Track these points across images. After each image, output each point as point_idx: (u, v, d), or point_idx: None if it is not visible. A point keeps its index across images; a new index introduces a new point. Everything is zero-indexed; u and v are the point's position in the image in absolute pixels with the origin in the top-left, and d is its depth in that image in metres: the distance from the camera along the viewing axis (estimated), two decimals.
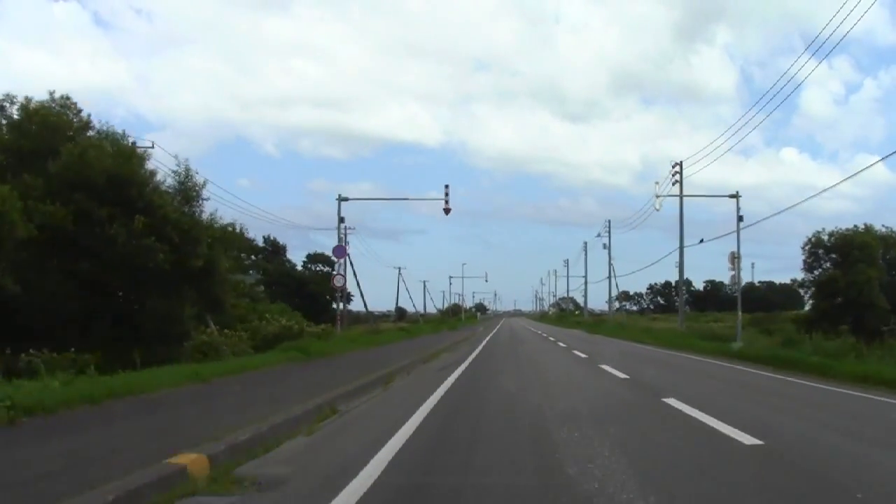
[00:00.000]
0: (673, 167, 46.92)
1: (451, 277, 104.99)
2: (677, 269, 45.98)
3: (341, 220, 30.04)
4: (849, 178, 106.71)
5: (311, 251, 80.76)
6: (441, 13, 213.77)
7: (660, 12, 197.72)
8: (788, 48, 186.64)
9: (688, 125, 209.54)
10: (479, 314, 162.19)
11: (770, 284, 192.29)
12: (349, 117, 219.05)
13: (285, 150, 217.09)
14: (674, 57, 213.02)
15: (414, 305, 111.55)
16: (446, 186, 28.48)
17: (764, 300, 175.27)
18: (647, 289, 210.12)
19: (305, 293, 59.10)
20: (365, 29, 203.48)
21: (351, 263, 77.44)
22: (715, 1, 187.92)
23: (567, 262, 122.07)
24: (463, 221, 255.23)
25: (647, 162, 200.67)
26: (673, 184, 47.07)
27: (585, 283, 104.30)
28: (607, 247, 79.97)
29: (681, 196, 46.28)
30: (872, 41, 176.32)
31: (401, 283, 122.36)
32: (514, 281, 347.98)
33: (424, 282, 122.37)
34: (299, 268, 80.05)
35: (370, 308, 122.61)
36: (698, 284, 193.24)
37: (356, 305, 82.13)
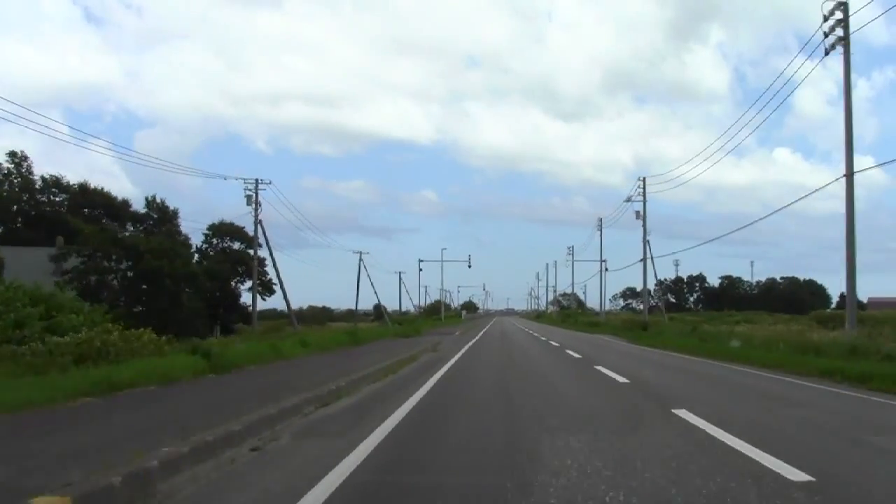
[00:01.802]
0: (827, 14, 23.18)
1: (420, 261, 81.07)
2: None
3: None
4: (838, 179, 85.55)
5: (216, 219, 56.29)
6: (433, 9, 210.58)
7: (652, 10, 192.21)
8: (782, 47, 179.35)
9: (681, 124, 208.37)
10: (463, 313, 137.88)
11: (793, 280, 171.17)
12: (340, 114, 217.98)
13: (277, 147, 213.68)
14: (667, 55, 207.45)
15: (379, 301, 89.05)
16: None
17: (792, 297, 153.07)
18: (656, 285, 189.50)
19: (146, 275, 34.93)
20: (356, 25, 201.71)
21: (266, 241, 53.08)
22: None
23: (572, 249, 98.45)
24: (454, 220, 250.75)
25: (640, 161, 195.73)
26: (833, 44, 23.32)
27: (601, 270, 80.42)
28: (641, 215, 56.20)
29: (846, 78, 22.39)
30: (866, 41, 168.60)
31: (378, 279, 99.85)
32: (505, 280, 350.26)
33: (400, 273, 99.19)
34: (199, 243, 55.66)
35: (353, 308, 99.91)
36: (712, 281, 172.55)
37: (276, 302, 58.06)
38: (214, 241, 55.55)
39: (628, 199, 56.76)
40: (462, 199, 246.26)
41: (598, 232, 77.30)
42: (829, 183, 21.93)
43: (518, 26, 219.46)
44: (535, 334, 45.55)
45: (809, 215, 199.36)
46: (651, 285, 62.44)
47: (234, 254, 54.36)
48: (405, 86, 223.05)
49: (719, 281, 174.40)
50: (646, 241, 56.72)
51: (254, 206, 48.81)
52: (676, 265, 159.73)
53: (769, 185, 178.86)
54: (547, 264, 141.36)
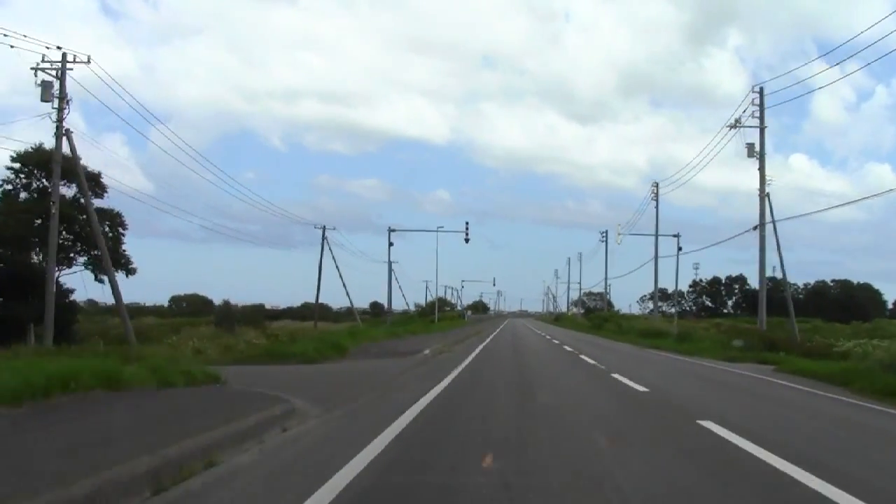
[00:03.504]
0: None
1: (391, 230, 57.30)
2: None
3: None
4: (872, 196, 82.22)
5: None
6: (449, 9, 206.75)
7: (670, 13, 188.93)
8: (800, 52, 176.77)
9: (696, 128, 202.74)
10: (468, 313, 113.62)
11: (845, 283, 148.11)
12: (355, 112, 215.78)
13: (291, 144, 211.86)
14: (684, 59, 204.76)
15: (348, 293, 66.98)
16: None
17: (849, 302, 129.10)
18: (690, 287, 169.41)
19: None
20: (372, 23, 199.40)
21: (78, 168, 28.80)
22: (726, 3, 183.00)
23: (605, 235, 75.00)
24: (468, 220, 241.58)
25: (655, 164, 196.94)
26: None
27: (657, 253, 56.62)
28: (758, 152, 32.99)
29: None
30: (885, 47, 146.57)
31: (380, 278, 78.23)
32: (519, 281, 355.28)
33: (390, 262, 77.41)
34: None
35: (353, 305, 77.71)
36: (752, 281, 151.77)
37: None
38: (31, 181, 32.68)
39: (735, 125, 33.60)
40: (476, 200, 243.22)
41: (654, 201, 53.85)
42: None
43: (534, 27, 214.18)
44: (588, 359, 21.91)
45: (825, 221, 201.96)
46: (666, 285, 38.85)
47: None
48: (420, 85, 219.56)
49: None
50: (764, 197, 33.44)
51: (57, 101, 26.10)
52: (696, 269, 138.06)
53: (784, 190, 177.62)
54: (569, 258, 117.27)
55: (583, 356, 23.39)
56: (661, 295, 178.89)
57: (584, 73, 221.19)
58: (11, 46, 24.78)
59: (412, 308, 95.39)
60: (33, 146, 31.43)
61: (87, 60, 26.17)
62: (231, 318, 55.63)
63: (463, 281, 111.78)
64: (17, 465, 4.95)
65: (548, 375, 16.69)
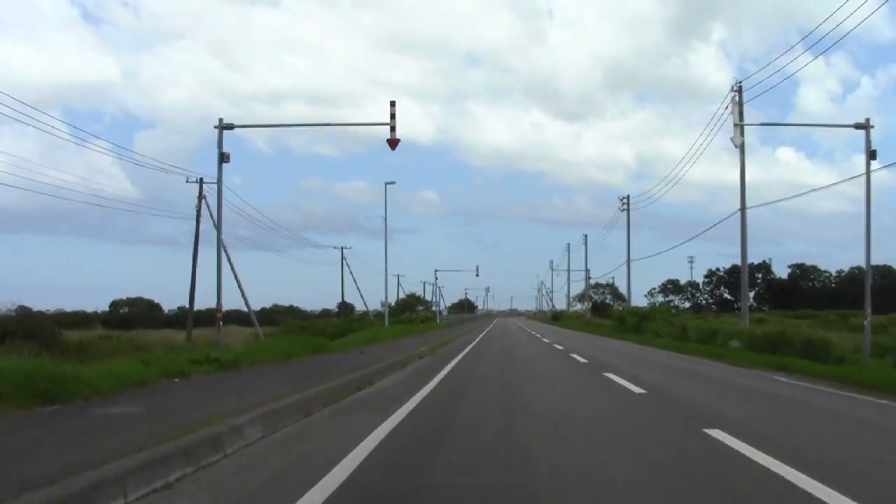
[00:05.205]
0: None
1: (223, 126, 33.05)
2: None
3: None
4: (849, 179, 69.64)
5: None
6: (432, 7, 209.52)
7: (654, 8, 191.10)
8: (785, 45, 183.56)
9: (683, 123, 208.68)
10: (443, 313, 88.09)
11: (886, 269, 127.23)
12: (341, 113, 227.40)
13: (277, 147, 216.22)
14: (669, 53, 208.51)
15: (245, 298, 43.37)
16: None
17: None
18: (705, 277, 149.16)
19: None
20: (355, 23, 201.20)
21: None
22: None
23: (627, 199, 51.27)
24: (456, 220, 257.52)
25: (642, 160, 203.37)
26: None
27: (743, 191, 31.88)
28: None
29: None
30: (870, 38, 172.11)
31: (372, 280, 60.94)
32: (509, 280, 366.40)
33: (342, 250, 56.63)
34: None
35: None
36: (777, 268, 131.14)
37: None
38: None
39: None
40: (463, 200, 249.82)
41: (734, 95, 29.71)
42: None
43: (519, 24, 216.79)
44: None
45: (813, 214, 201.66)
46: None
47: None
48: (405, 85, 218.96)
49: (788, 271, 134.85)
50: None
51: None
52: (691, 262, 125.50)
53: (773, 184, 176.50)
54: (569, 244, 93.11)
55: None
56: (671, 287, 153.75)
57: (569, 69, 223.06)
58: None
59: (378, 309, 73.78)
60: None
61: None
62: (30, 328, 30.31)
63: (437, 270, 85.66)
64: None
65: None
